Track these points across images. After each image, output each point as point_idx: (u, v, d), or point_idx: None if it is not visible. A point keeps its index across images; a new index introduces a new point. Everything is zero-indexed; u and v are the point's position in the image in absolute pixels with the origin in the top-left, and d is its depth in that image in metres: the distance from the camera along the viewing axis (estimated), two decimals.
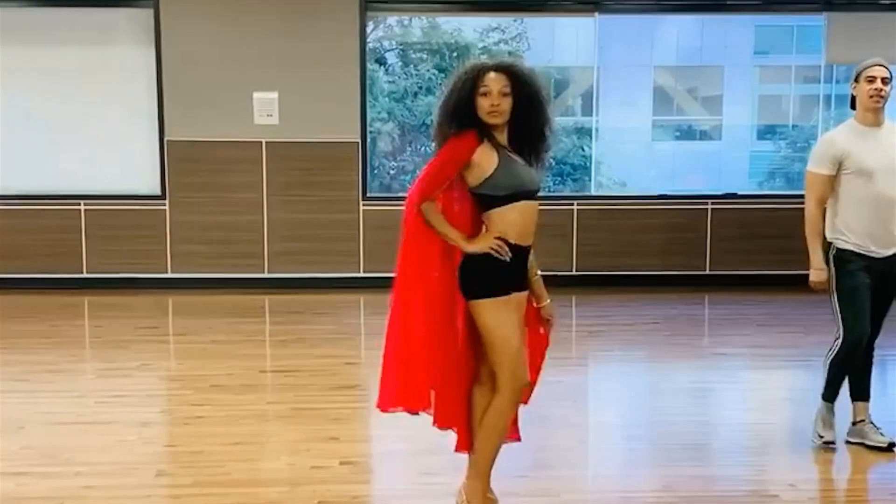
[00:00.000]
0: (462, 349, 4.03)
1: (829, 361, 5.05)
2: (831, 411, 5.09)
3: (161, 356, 7.29)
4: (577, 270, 9.55)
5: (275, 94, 9.33)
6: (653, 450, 5.19)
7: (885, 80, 4.87)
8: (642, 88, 12.58)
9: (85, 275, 9.50)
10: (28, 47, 9.39)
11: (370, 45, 10.05)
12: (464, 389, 4.07)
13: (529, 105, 3.94)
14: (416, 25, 11.16)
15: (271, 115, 9.33)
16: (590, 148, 10.58)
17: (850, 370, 5.06)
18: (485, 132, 3.91)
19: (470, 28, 11.20)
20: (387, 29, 11.10)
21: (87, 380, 6.62)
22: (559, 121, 11.51)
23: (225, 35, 9.29)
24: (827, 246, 5.00)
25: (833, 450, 5.03)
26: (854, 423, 5.13)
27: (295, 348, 7.37)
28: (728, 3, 10.02)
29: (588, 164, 10.48)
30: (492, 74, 3.89)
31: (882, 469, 4.88)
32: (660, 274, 9.67)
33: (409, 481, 4.66)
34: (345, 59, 9.36)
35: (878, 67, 4.90)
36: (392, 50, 11.31)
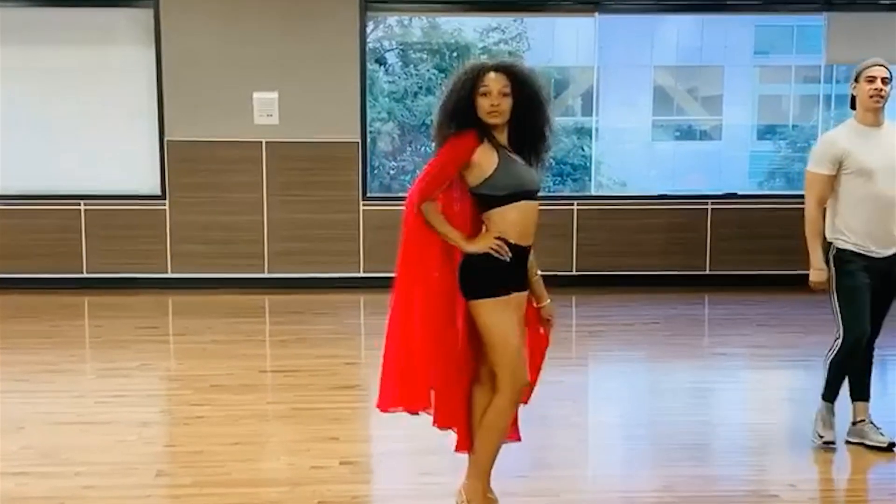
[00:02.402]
0: (462, 349, 4.02)
1: (828, 361, 5.06)
2: (831, 411, 5.10)
3: (161, 356, 7.29)
4: (577, 270, 9.55)
5: (275, 94, 9.33)
6: (653, 450, 5.19)
7: (885, 80, 4.89)
8: (642, 88, 12.58)
9: (85, 275, 9.50)
10: (28, 47, 9.39)
11: (370, 45, 10.04)
12: (464, 389, 4.06)
13: (529, 105, 3.94)
14: (416, 25, 11.16)
15: (271, 115, 9.33)
16: (590, 148, 10.58)
17: (850, 370, 5.07)
18: (485, 132, 3.91)
19: (470, 28, 11.20)
20: (387, 29, 11.10)
21: (86, 380, 6.62)
22: (559, 121, 11.51)
23: (225, 35, 9.29)
24: (827, 246, 5.01)
25: (833, 450, 5.04)
26: (854, 423, 5.14)
27: (295, 348, 7.37)
28: (728, 3, 10.02)
29: (588, 164, 10.48)
30: (492, 74, 3.89)
31: (882, 469, 4.88)
32: (660, 274, 9.67)
33: (408, 481, 4.66)
34: (345, 59, 9.36)
35: (878, 67, 4.91)
36: (392, 50, 11.31)
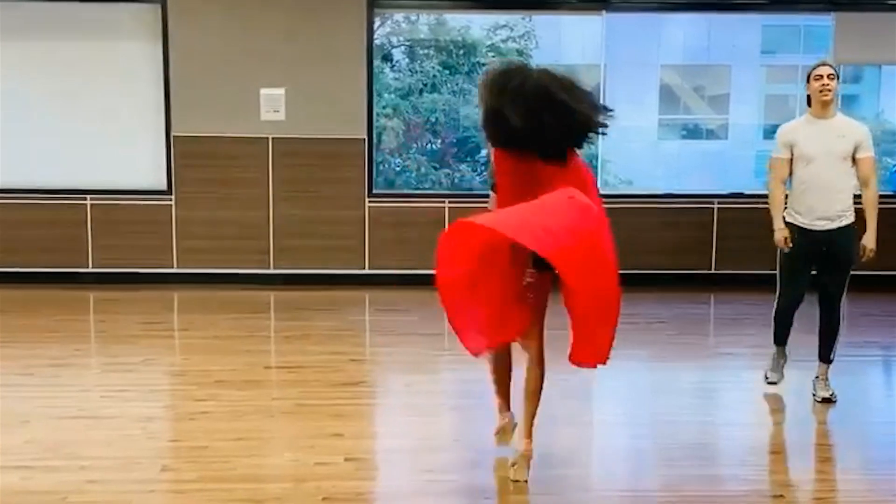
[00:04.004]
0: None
1: (773, 314, 6.14)
2: (781, 354, 6.17)
3: (166, 351, 7.30)
4: None
5: (281, 91, 9.33)
6: (657, 449, 5.19)
7: (830, 77, 5.73)
8: (649, 87, 12.55)
9: (90, 269, 9.51)
10: (35, 43, 9.39)
11: (377, 42, 10.03)
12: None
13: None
14: (424, 22, 11.15)
15: (278, 111, 9.33)
16: (596, 146, 10.55)
17: (784, 320, 6.07)
18: None
19: (477, 25, 11.19)
20: (394, 25, 11.09)
21: (91, 374, 6.63)
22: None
23: (232, 31, 9.29)
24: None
25: (774, 384, 6.14)
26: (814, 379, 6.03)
27: (299, 344, 7.37)
28: (735, 2, 10.00)
29: (594, 162, 10.45)
30: None
31: (885, 469, 4.88)
32: (665, 273, 9.66)
33: (413, 478, 4.65)
34: (352, 56, 9.36)
35: (823, 67, 5.80)
36: (399, 46, 11.30)
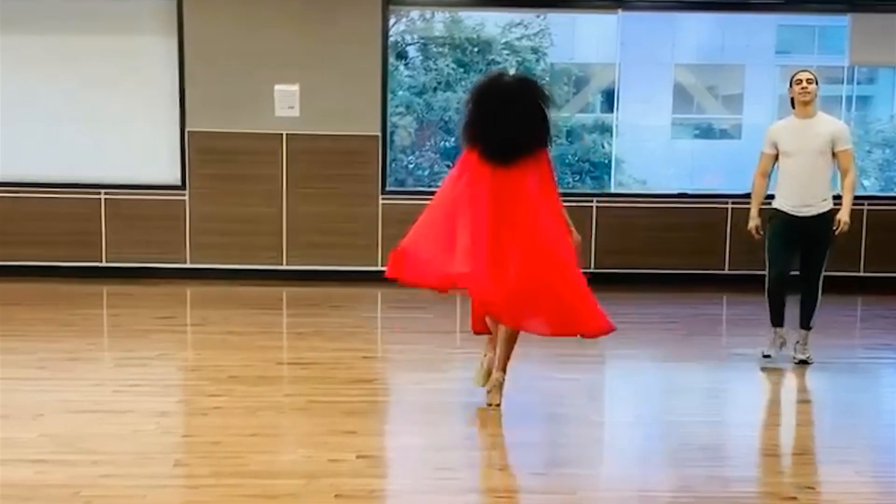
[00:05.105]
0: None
1: (765, 294, 6.84)
2: (778, 335, 6.80)
3: (179, 346, 7.32)
4: (595, 268, 9.46)
5: (296, 87, 9.34)
6: (669, 449, 5.18)
7: (809, 81, 6.55)
8: (663, 86, 12.53)
9: (104, 263, 9.54)
10: (51, 37, 9.43)
11: (391, 39, 10.02)
12: None
13: None
14: (439, 20, 11.15)
15: (292, 108, 9.35)
16: (610, 145, 10.54)
17: (774, 298, 6.79)
18: None
19: (492, 23, 11.18)
20: (409, 23, 11.09)
21: (105, 368, 6.64)
22: (580, 117, 11.55)
23: (247, 27, 9.31)
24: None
25: (770, 360, 6.72)
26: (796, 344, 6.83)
27: (312, 341, 7.38)
28: (750, 2, 9.96)
29: (608, 161, 10.44)
30: None
31: None
32: (678, 273, 9.64)
33: (425, 476, 4.65)
34: (367, 53, 9.37)
35: (803, 73, 6.61)
36: (413, 44, 11.30)
